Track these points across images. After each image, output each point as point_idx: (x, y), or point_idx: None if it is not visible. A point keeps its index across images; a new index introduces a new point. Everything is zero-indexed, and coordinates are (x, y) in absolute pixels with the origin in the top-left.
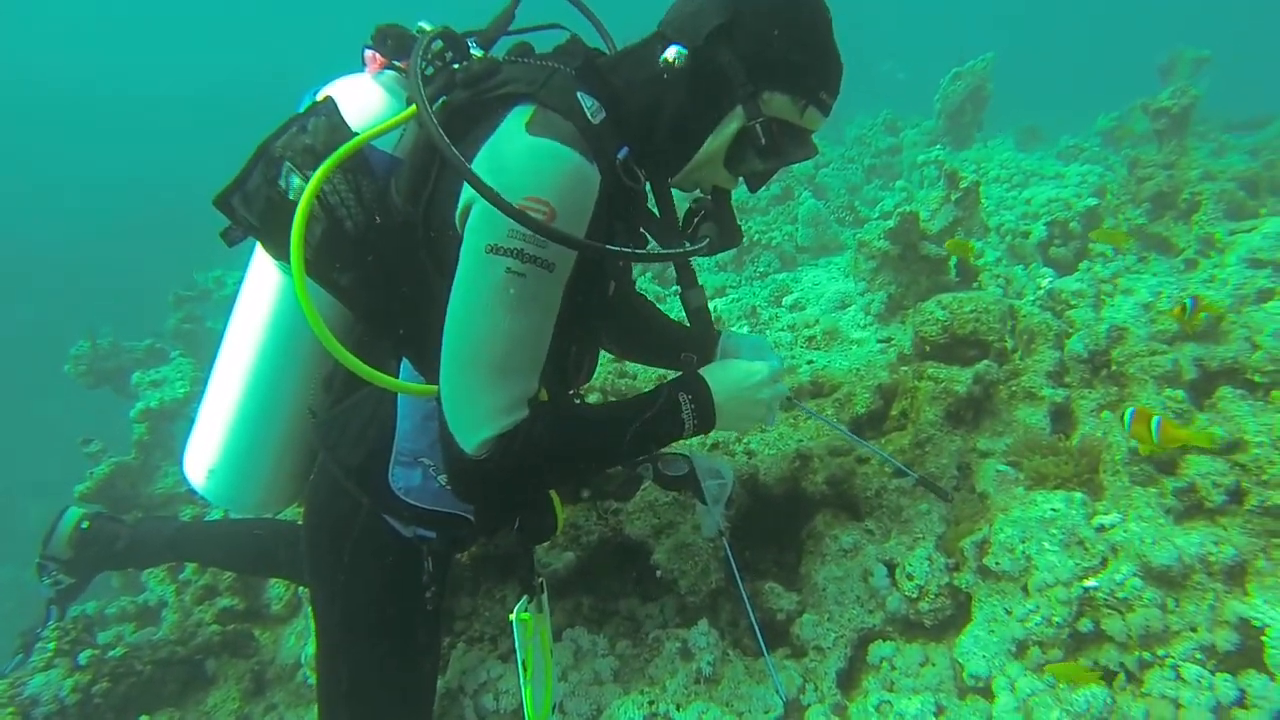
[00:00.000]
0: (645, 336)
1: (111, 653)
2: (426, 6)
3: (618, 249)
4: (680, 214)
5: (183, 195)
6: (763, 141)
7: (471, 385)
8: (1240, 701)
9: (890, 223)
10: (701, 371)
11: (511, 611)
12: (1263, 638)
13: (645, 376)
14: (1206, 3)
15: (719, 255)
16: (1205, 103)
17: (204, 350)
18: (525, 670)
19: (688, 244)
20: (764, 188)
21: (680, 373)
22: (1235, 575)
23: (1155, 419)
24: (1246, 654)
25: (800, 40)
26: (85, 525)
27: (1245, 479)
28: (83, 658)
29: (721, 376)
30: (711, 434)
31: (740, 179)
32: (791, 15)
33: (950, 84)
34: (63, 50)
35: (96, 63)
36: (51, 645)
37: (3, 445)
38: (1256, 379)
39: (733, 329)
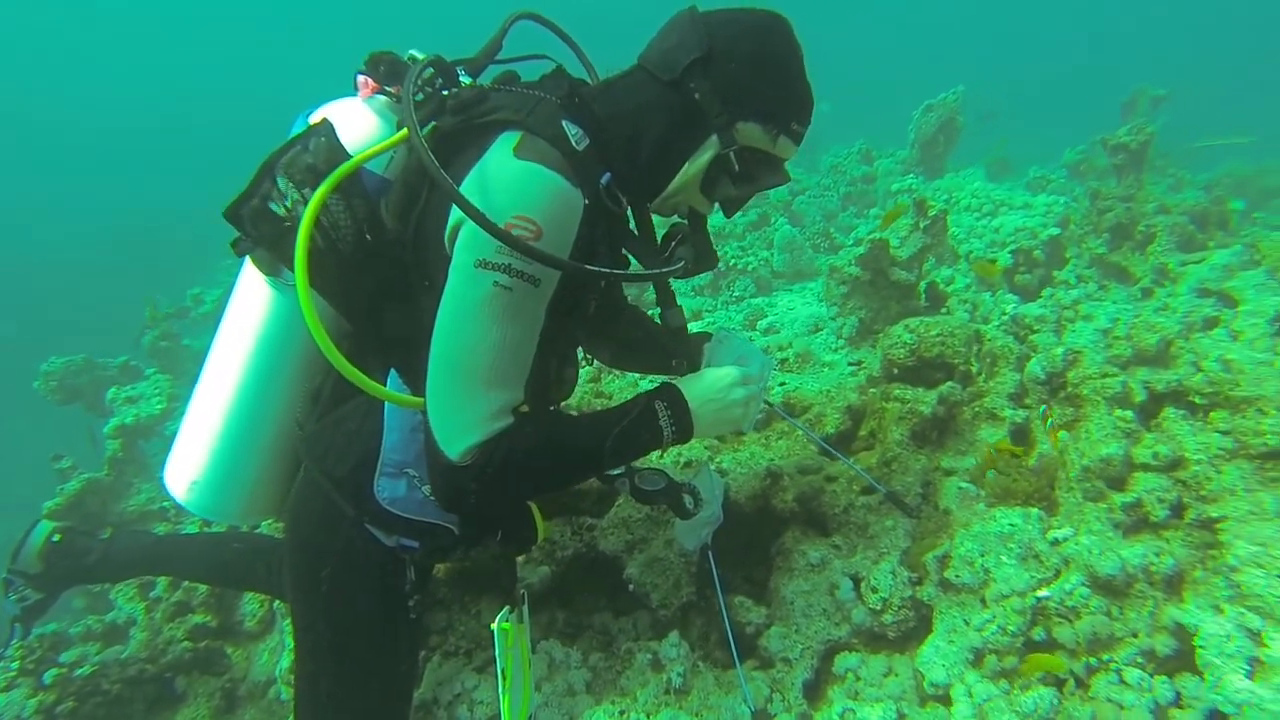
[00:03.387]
0: (641, 348)
1: (78, 671)
2: (385, 37)
3: (596, 268)
4: (661, 237)
5: (159, 220)
6: (737, 169)
7: (457, 394)
8: (1176, 702)
9: (861, 249)
10: (675, 381)
11: (491, 622)
12: (1194, 640)
13: (622, 397)
14: (1171, 43)
15: (696, 280)
16: (1163, 138)
17: (179, 367)
18: (505, 678)
19: (665, 266)
20: (740, 214)
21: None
22: (1174, 584)
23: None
24: (1182, 657)
25: (772, 73)
26: (57, 538)
27: (1186, 494)
28: (48, 677)
29: (695, 383)
30: (689, 449)
31: (716, 204)
32: (764, 50)
33: (923, 115)
34: (35, 76)
35: (68, 89)
36: (15, 664)
37: None
38: (1197, 400)
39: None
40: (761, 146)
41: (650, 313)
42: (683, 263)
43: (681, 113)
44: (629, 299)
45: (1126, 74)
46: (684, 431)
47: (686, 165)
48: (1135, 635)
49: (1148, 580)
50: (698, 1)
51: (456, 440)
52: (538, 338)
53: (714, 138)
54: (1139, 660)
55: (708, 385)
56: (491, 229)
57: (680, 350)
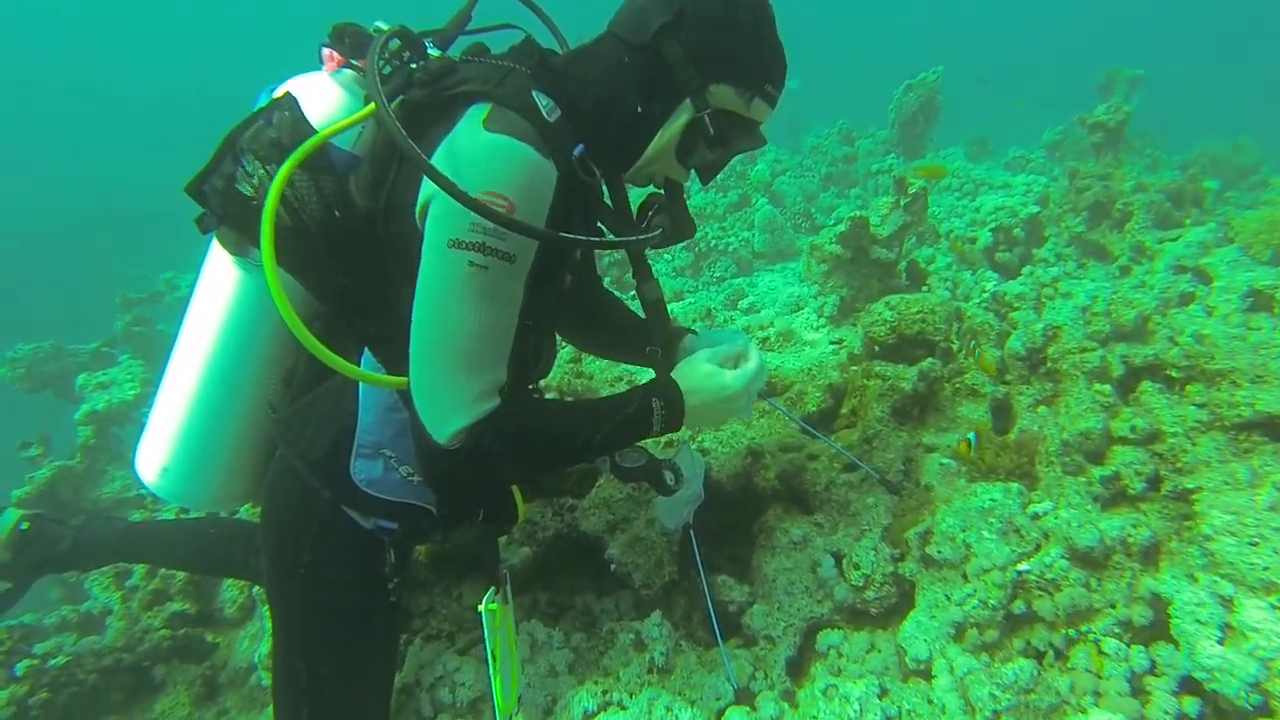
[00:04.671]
0: (610, 330)
1: (52, 662)
2: (381, 9)
3: (575, 237)
4: (637, 206)
5: (131, 201)
6: (711, 133)
7: (441, 378)
8: (1151, 670)
9: (842, 227)
10: (675, 376)
11: (474, 604)
12: (1169, 610)
13: (602, 377)
14: (1146, 24)
15: (677, 260)
16: (1140, 117)
17: (154, 353)
18: (494, 660)
19: (642, 234)
20: (721, 194)
21: (652, 371)
22: (1150, 555)
23: (971, 435)
24: (1157, 627)
25: (744, 35)
26: (25, 526)
27: (1162, 467)
28: (19, 668)
29: (697, 386)
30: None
31: (691, 171)
32: (735, 11)
33: (903, 95)
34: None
35: (36, 59)
36: None
37: None
38: (1174, 374)
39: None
40: (736, 109)
41: (629, 295)
42: (660, 230)
43: (653, 78)
44: (609, 281)
45: (1103, 56)
46: (671, 428)
47: (661, 131)
48: (1113, 606)
49: (1125, 552)
50: None
51: (444, 424)
52: (517, 315)
53: (687, 102)
54: (1116, 630)
55: (710, 392)
56: (465, 200)
57: (656, 335)
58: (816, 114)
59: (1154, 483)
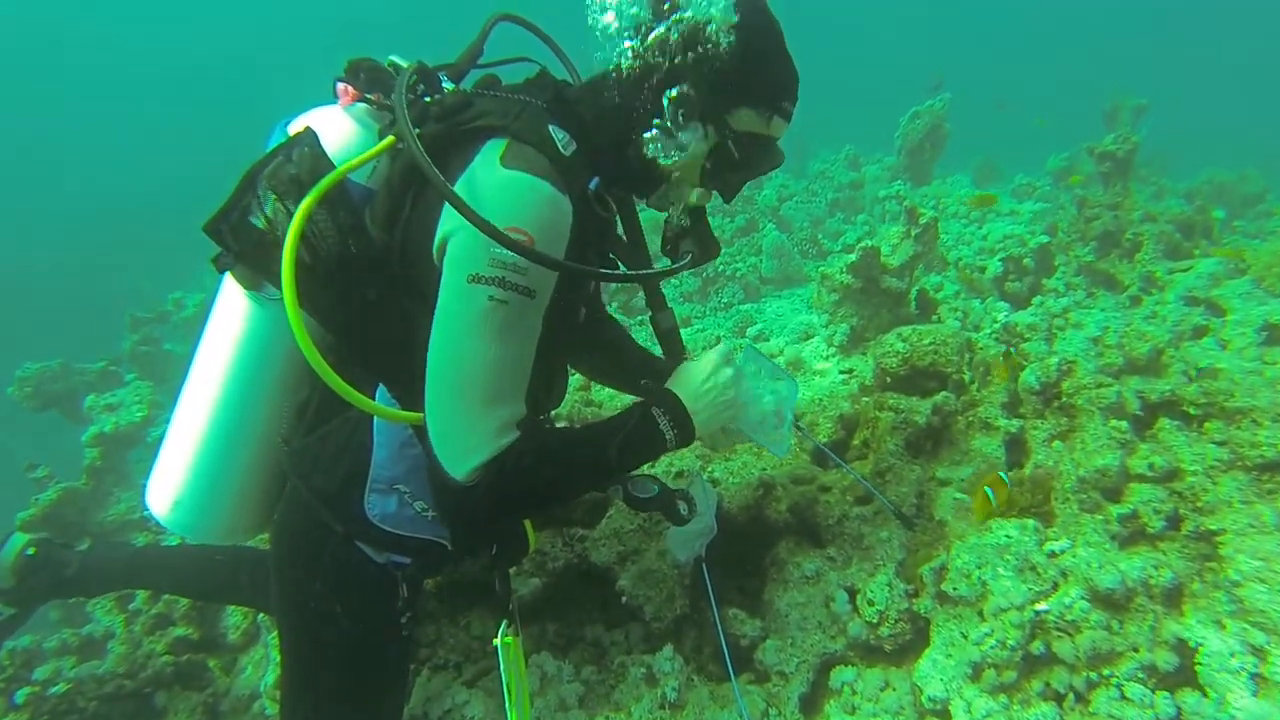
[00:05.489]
0: (616, 361)
1: (52, 689)
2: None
3: (608, 272)
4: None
5: (143, 216)
6: (736, 156)
7: (460, 414)
8: (1177, 718)
9: (852, 257)
10: (667, 385)
11: (482, 634)
12: (1196, 657)
13: (611, 406)
14: (1146, 52)
15: (684, 285)
16: (1144, 145)
17: (161, 373)
18: (510, 693)
19: (669, 262)
20: (729, 220)
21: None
22: (1173, 598)
23: (987, 489)
24: (1184, 673)
25: (758, 57)
26: (31, 551)
27: (1182, 506)
28: (19, 696)
29: (682, 381)
30: (680, 459)
31: (714, 192)
32: (748, 35)
33: (910, 122)
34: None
35: (58, 78)
36: None
37: None
38: (1191, 411)
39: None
40: (756, 130)
41: (635, 320)
42: (690, 256)
43: (672, 107)
44: (616, 306)
45: (1105, 82)
46: (686, 432)
47: (684, 158)
48: (1136, 650)
49: (1147, 594)
50: None
51: (462, 461)
52: (535, 349)
53: (709, 128)
54: (1140, 675)
55: (695, 380)
56: (493, 232)
57: (653, 370)
58: (821, 139)
59: (1174, 522)
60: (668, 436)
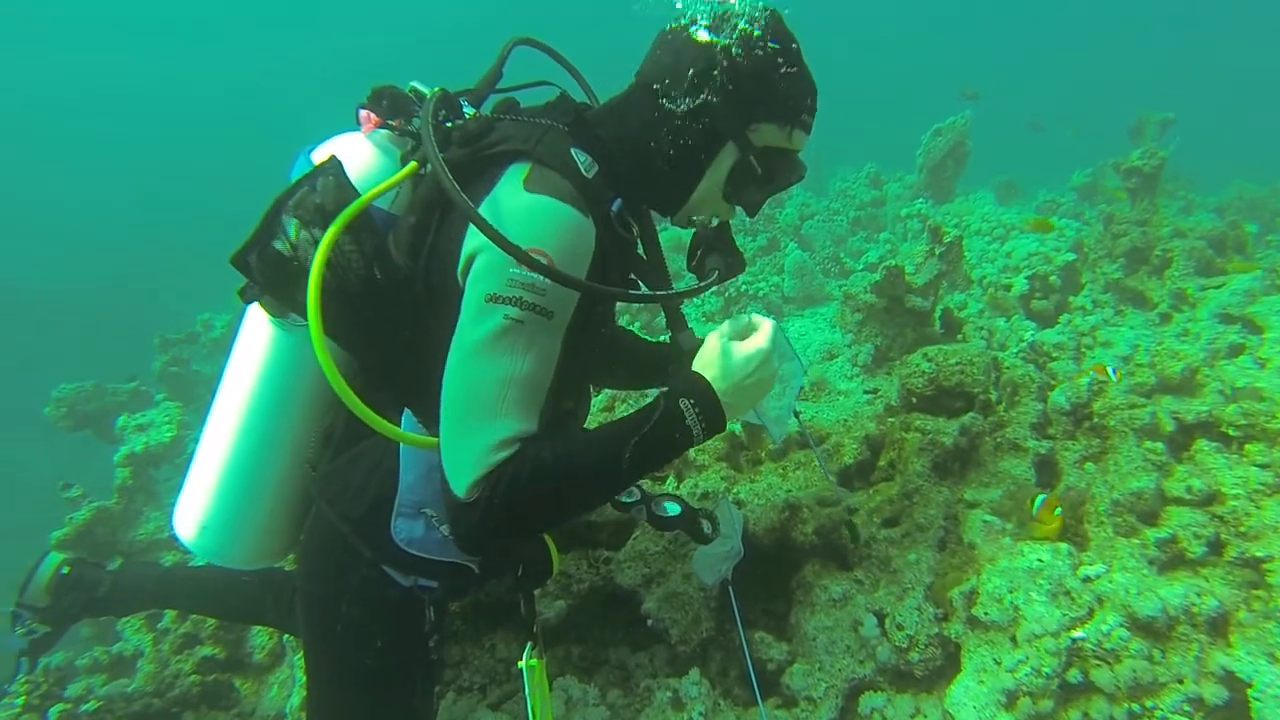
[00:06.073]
0: (625, 359)
1: (84, 707)
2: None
3: (633, 292)
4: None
5: (168, 243)
6: (758, 172)
7: (462, 431)
8: None
9: (876, 276)
10: (695, 369)
11: (506, 656)
12: (1249, 692)
13: None
14: (1168, 67)
15: (706, 305)
16: (1171, 160)
17: (189, 393)
18: (535, 716)
19: (694, 280)
20: (750, 239)
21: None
22: (1218, 627)
23: (1039, 498)
24: (1234, 707)
25: (777, 69)
26: (66, 570)
27: (1224, 531)
28: (52, 713)
29: (717, 368)
30: (705, 480)
31: (738, 208)
32: (766, 49)
33: (931, 139)
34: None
35: (86, 105)
36: (20, 700)
37: None
38: (1230, 432)
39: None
40: (778, 144)
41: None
42: (716, 272)
43: (693, 126)
44: (639, 325)
45: (1128, 96)
46: (716, 423)
47: (707, 176)
48: (1180, 681)
49: (1190, 622)
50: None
51: (461, 477)
52: (553, 372)
53: (730, 145)
54: (1186, 708)
55: (734, 367)
56: (515, 252)
57: (673, 358)
58: (842, 157)
59: (1215, 547)
60: (695, 432)
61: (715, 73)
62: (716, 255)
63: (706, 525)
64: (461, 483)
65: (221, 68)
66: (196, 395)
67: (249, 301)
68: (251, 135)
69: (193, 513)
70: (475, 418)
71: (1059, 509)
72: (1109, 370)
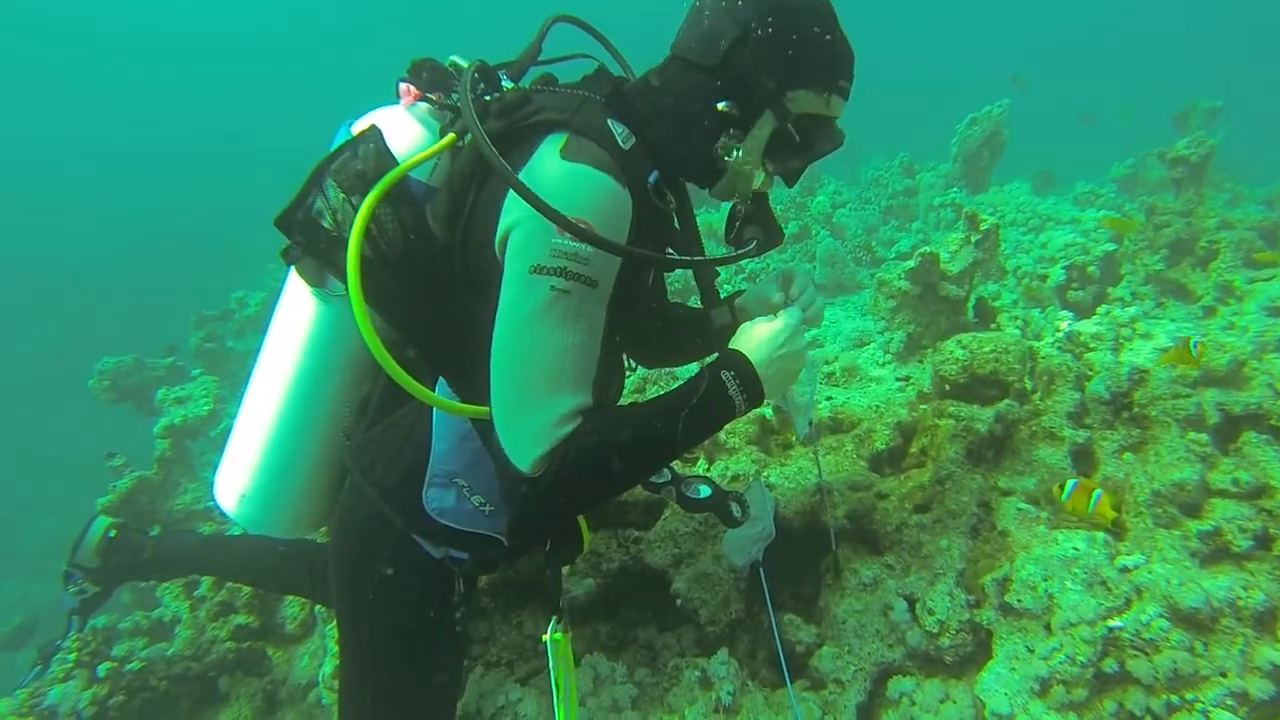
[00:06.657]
0: (678, 336)
1: (128, 666)
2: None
3: (672, 257)
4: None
5: (208, 218)
6: (797, 140)
7: (522, 406)
8: None
9: (911, 263)
10: (733, 345)
11: (534, 632)
12: None
13: None
14: (1210, 55)
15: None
16: (1220, 151)
17: (224, 368)
18: (559, 690)
19: (733, 249)
20: (780, 222)
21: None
22: (1265, 621)
23: (1096, 493)
24: None
25: (813, 34)
26: (112, 534)
27: (1272, 525)
28: (101, 670)
29: (755, 344)
30: (736, 463)
31: (776, 178)
32: (800, 16)
33: (967, 129)
34: (94, 82)
35: (123, 96)
36: (72, 656)
37: (8, 462)
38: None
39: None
40: (816, 111)
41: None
42: (754, 242)
43: (730, 95)
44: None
45: (1167, 85)
46: (755, 397)
47: (745, 145)
48: (1224, 675)
49: (1235, 615)
50: None
51: (525, 453)
52: (600, 340)
53: (768, 113)
54: (1229, 703)
55: (769, 342)
56: (554, 216)
57: (708, 327)
58: (875, 146)
59: (1263, 541)
60: (737, 402)
61: (750, 41)
62: (755, 226)
63: (736, 509)
64: (526, 458)
65: (259, 47)
66: (230, 371)
67: (290, 263)
68: (286, 118)
69: (233, 482)
70: (534, 392)
71: (1107, 500)
72: (1192, 345)
